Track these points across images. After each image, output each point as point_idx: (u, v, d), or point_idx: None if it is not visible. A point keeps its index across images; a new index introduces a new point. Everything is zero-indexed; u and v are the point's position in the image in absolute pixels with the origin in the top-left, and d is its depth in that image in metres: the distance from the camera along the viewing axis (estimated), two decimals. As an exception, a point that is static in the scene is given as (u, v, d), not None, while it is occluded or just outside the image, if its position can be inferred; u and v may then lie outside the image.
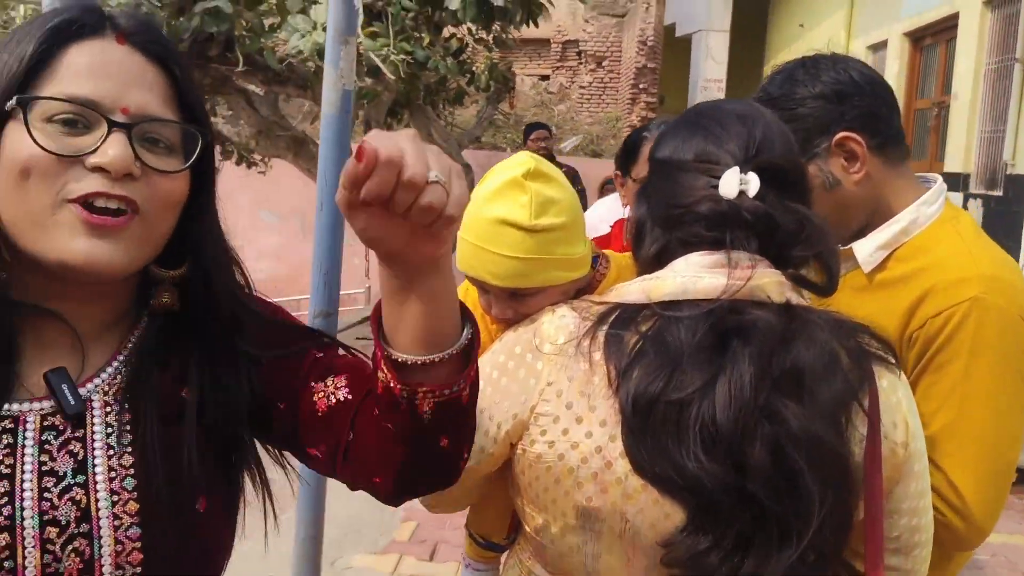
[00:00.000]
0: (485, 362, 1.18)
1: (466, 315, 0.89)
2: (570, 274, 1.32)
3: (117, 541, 0.88)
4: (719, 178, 1.09)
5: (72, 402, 0.90)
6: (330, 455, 0.99)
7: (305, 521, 2.88)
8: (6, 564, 0.83)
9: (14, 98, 0.84)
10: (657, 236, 1.15)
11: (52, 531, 0.85)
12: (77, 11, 0.89)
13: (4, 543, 0.83)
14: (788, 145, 1.15)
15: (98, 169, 0.84)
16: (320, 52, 5.03)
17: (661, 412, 1.03)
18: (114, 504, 0.89)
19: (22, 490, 0.86)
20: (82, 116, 0.85)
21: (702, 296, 1.06)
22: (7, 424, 0.87)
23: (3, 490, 0.85)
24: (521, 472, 1.15)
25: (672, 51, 12.60)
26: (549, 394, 1.10)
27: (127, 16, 0.91)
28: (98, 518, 0.88)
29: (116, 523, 0.88)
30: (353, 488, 1.02)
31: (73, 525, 0.87)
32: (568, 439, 1.09)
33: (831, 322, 1.09)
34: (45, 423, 0.89)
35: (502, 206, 1.25)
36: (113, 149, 0.84)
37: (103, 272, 0.87)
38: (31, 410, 0.88)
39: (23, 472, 0.86)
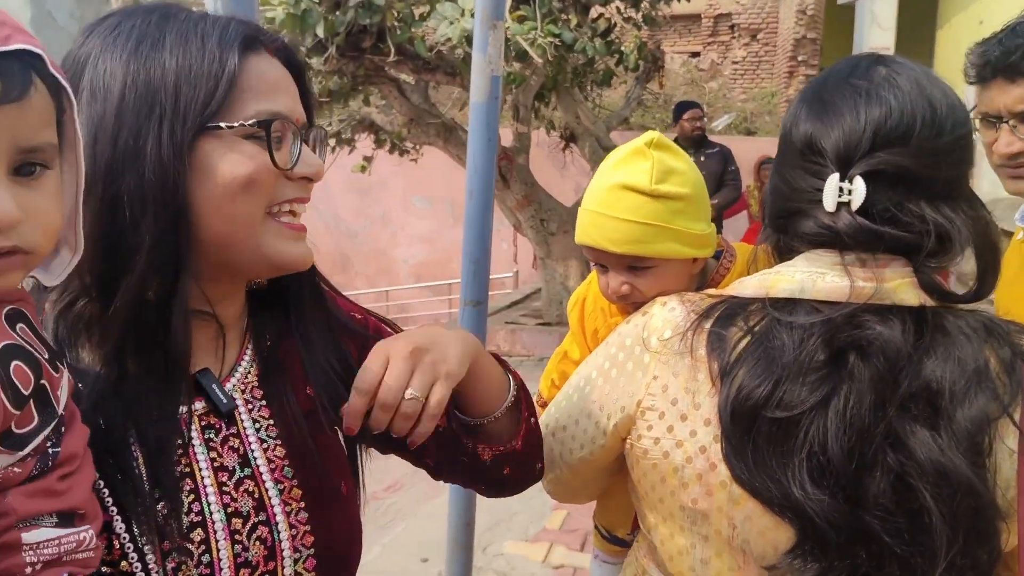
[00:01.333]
0: (599, 353, 1.17)
1: (509, 373, 1.09)
2: (689, 250, 1.29)
3: (291, 526, 0.93)
4: (823, 180, 0.96)
5: (225, 401, 0.93)
6: (444, 466, 1.13)
7: (457, 507, 2.90)
8: (203, 558, 0.87)
9: (254, 120, 0.87)
10: (768, 233, 1.06)
11: (237, 522, 0.90)
12: (250, 25, 0.91)
13: (200, 538, 0.87)
14: (934, 129, 0.96)
15: (303, 179, 0.92)
16: (468, 39, 5.05)
17: (764, 429, 0.95)
18: (281, 492, 0.94)
19: (204, 487, 0.89)
20: (280, 131, 0.89)
21: (822, 297, 0.96)
22: (171, 425, 0.88)
23: (189, 487, 0.88)
24: (632, 467, 1.12)
25: (834, 19, 11.92)
26: (655, 388, 1.06)
27: (261, 29, 0.94)
28: (271, 506, 0.93)
29: (287, 509, 0.93)
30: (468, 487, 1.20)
31: (253, 515, 0.91)
32: (673, 436, 1.04)
33: (980, 326, 0.96)
34: (202, 423, 0.92)
35: (623, 172, 1.25)
36: (312, 159, 0.92)
37: (304, 268, 0.96)
38: (192, 411, 0.91)
39: (200, 470, 0.90)
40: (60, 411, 0.71)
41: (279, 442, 0.96)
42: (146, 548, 0.83)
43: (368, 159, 8.44)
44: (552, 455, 1.22)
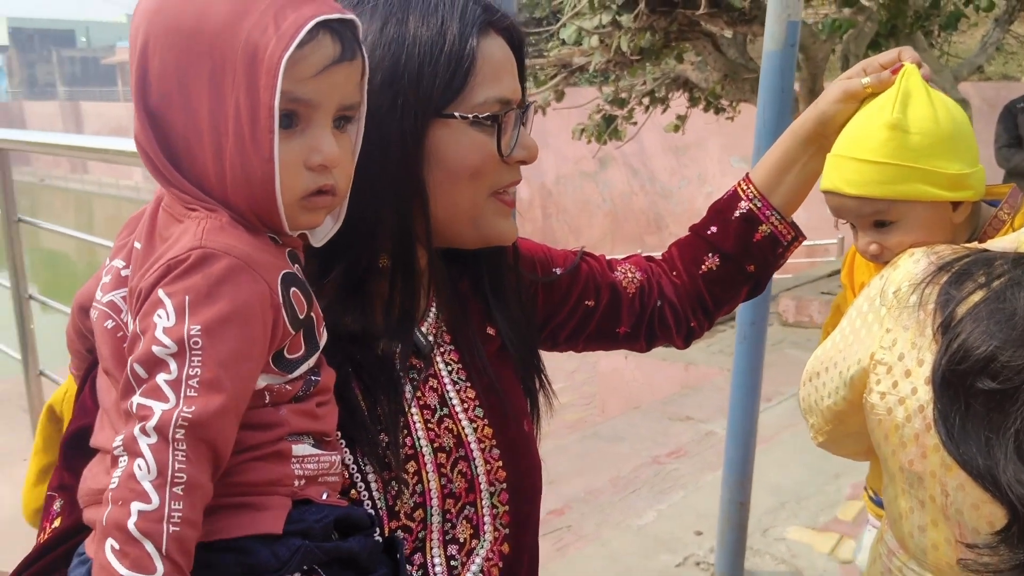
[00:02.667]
0: (855, 306, 1.14)
1: None
2: (942, 192, 1.14)
3: (486, 461, 0.99)
4: None
5: (424, 343, 0.99)
6: (636, 334, 1.23)
7: (731, 484, 2.77)
8: (417, 488, 0.94)
9: (487, 113, 0.91)
10: None
11: (442, 456, 0.96)
12: (485, 5, 0.93)
13: (413, 470, 0.94)
14: None
15: (520, 162, 0.96)
16: (786, -16, 4.68)
17: (977, 395, 0.88)
18: (475, 430, 0.99)
19: (414, 423, 0.96)
20: (505, 118, 0.93)
21: None
22: (381, 366, 0.94)
23: (402, 424, 0.94)
24: (868, 423, 1.10)
25: None
26: (887, 341, 1.03)
27: (493, 8, 0.94)
28: (468, 443, 0.98)
29: (481, 446, 0.99)
30: (646, 351, 1.28)
31: (454, 450, 0.97)
32: (897, 392, 1.01)
33: None
34: (401, 363, 0.96)
35: (869, 109, 1.15)
36: (529, 142, 0.96)
37: (511, 242, 1.03)
38: (393, 351, 0.96)
39: (409, 407, 0.96)
40: (321, 344, 0.81)
41: (468, 384, 1.01)
42: (371, 477, 0.90)
43: (682, 118, 8.26)
44: (809, 400, 1.23)
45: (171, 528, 0.66)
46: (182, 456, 0.67)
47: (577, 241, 13.62)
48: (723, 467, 2.83)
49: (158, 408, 0.67)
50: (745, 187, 1.23)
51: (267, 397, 0.76)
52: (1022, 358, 0.86)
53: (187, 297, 0.69)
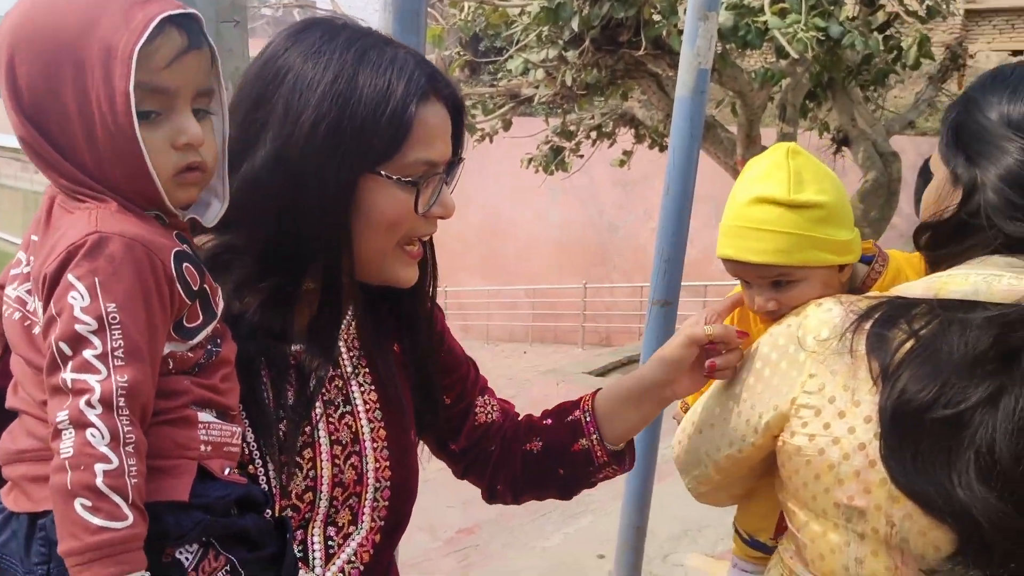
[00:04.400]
0: (752, 355, 1.20)
1: None
2: (833, 257, 1.26)
3: (376, 460, 1.10)
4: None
5: (324, 342, 1.07)
6: (464, 456, 1.30)
7: (629, 510, 2.85)
8: (310, 473, 1.04)
9: (411, 176, 1.00)
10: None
11: (337, 448, 1.07)
12: (430, 73, 1.01)
13: (309, 456, 1.04)
14: None
15: (438, 217, 1.06)
16: (722, 33, 4.87)
17: (928, 428, 0.95)
18: (372, 430, 1.10)
19: (315, 415, 1.06)
20: (425, 180, 1.02)
21: (997, 300, 0.96)
22: (290, 361, 1.04)
23: (303, 415, 1.03)
24: (782, 465, 1.14)
25: None
26: (811, 387, 1.08)
27: (437, 76, 1.03)
28: (364, 441, 1.09)
29: (374, 445, 1.10)
30: (460, 478, 1.35)
31: (350, 445, 1.08)
32: (829, 433, 1.05)
33: None
34: (312, 363, 1.05)
35: (761, 185, 1.25)
36: (447, 200, 1.06)
37: (408, 287, 1.10)
38: (301, 350, 1.06)
39: (313, 401, 1.05)
40: (218, 313, 0.89)
41: (373, 388, 1.12)
42: (268, 458, 0.99)
43: (628, 153, 8.44)
44: (698, 453, 1.26)
45: (132, 481, 0.75)
46: (127, 420, 0.76)
47: (526, 271, 13.74)
48: (625, 492, 2.92)
49: (94, 381, 0.75)
50: (589, 399, 1.28)
51: (170, 363, 0.84)
52: (964, 388, 0.94)
53: (96, 279, 0.77)
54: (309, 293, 1.05)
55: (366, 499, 1.09)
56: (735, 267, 1.29)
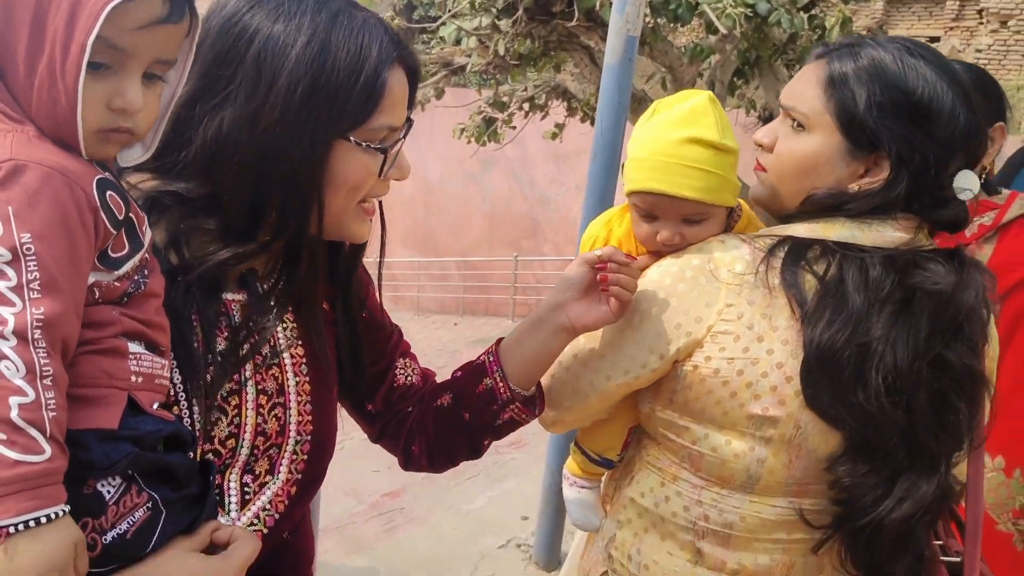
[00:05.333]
0: (654, 285, 1.28)
1: None
2: (734, 200, 1.38)
3: (299, 413, 1.12)
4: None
5: (260, 293, 1.10)
6: (380, 417, 1.33)
7: (552, 469, 2.91)
8: (234, 420, 1.06)
9: (379, 143, 1.03)
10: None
11: (263, 399, 1.08)
12: (394, 38, 1.03)
13: (235, 403, 1.06)
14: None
15: (394, 179, 1.10)
16: (654, 7, 4.92)
17: (844, 358, 1.15)
18: (297, 384, 1.12)
19: (244, 366, 1.07)
20: (391, 145, 1.05)
21: (869, 244, 1.19)
22: (221, 308, 1.06)
23: (233, 362, 1.05)
24: (686, 387, 1.25)
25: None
26: (729, 315, 1.21)
27: (401, 43, 1.05)
28: (289, 393, 1.11)
29: (299, 399, 1.12)
30: (375, 441, 1.38)
31: (275, 396, 1.10)
32: (748, 355, 1.20)
33: (976, 261, 1.25)
34: (245, 312, 1.08)
35: (691, 127, 1.31)
36: (404, 163, 1.10)
37: (363, 242, 1.16)
38: (234, 299, 1.08)
39: (243, 350, 1.06)
40: (145, 244, 0.88)
41: (300, 343, 1.14)
42: (194, 400, 1.00)
43: (560, 126, 8.46)
44: (578, 383, 1.34)
45: (50, 414, 0.74)
46: (43, 352, 0.74)
47: (457, 242, 13.72)
48: (547, 453, 2.97)
49: (8, 313, 0.73)
50: (496, 343, 1.31)
51: (96, 293, 0.83)
52: (873, 324, 1.15)
53: (10, 208, 0.74)
54: (262, 249, 1.05)
55: (286, 451, 1.11)
56: (654, 200, 1.33)
